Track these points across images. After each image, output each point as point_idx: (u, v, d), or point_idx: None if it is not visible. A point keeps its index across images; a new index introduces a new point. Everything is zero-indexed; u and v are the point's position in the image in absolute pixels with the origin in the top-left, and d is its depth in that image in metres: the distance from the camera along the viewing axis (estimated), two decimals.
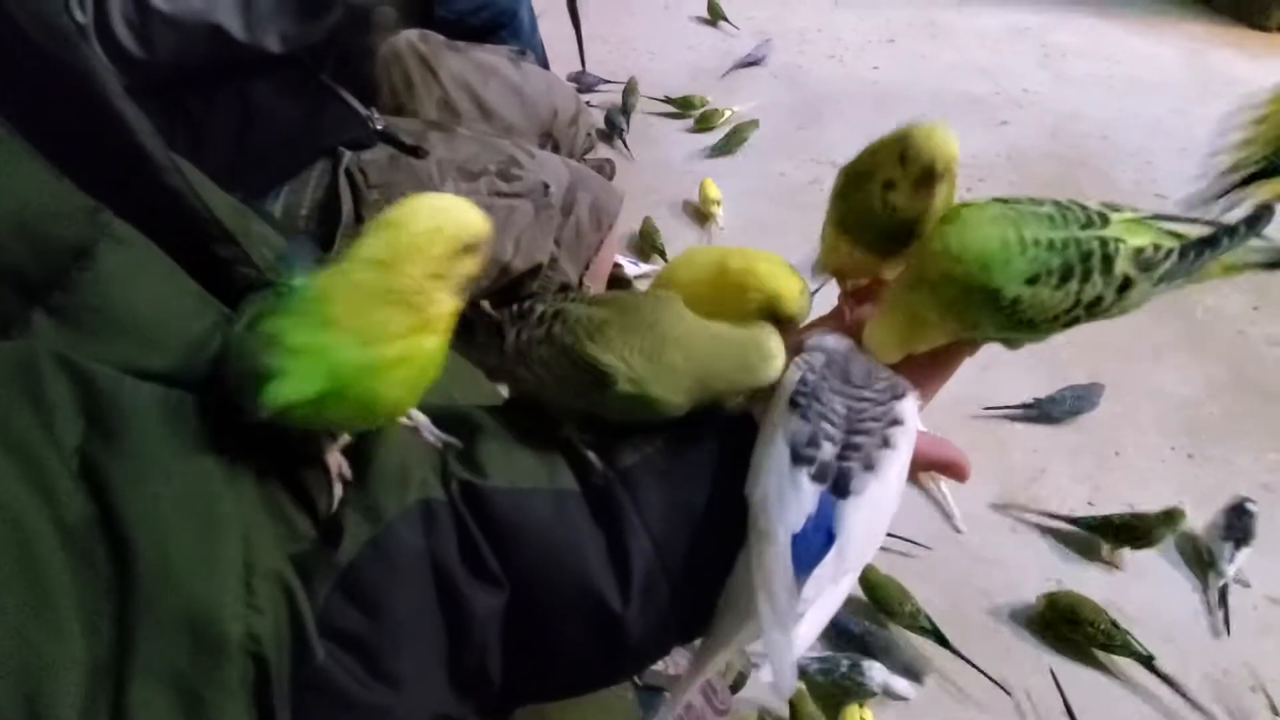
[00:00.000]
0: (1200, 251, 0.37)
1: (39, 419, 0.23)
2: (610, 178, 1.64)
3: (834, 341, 0.37)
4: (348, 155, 0.69)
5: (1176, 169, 1.78)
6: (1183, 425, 1.25)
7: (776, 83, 2.15)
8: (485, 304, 0.83)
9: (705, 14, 2.46)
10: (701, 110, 1.97)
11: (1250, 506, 1.05)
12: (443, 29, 0.97)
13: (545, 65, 1.48)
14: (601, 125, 1.85)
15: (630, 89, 2.00)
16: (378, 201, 0.68)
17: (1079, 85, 2.07)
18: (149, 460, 0.25)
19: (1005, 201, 0.37)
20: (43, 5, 0.28)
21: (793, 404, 0.33)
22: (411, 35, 0.89)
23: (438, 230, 0.29)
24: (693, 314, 0.35)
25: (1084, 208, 0.37)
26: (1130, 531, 1.00)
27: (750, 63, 2.20)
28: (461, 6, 1.10)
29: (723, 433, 0.35)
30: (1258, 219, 0.39)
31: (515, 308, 0.36)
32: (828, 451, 0.32)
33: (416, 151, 0.71)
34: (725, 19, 2.42)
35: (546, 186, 0.75)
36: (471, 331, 0.39)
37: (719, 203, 1.66)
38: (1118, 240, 0.36)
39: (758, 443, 0.34)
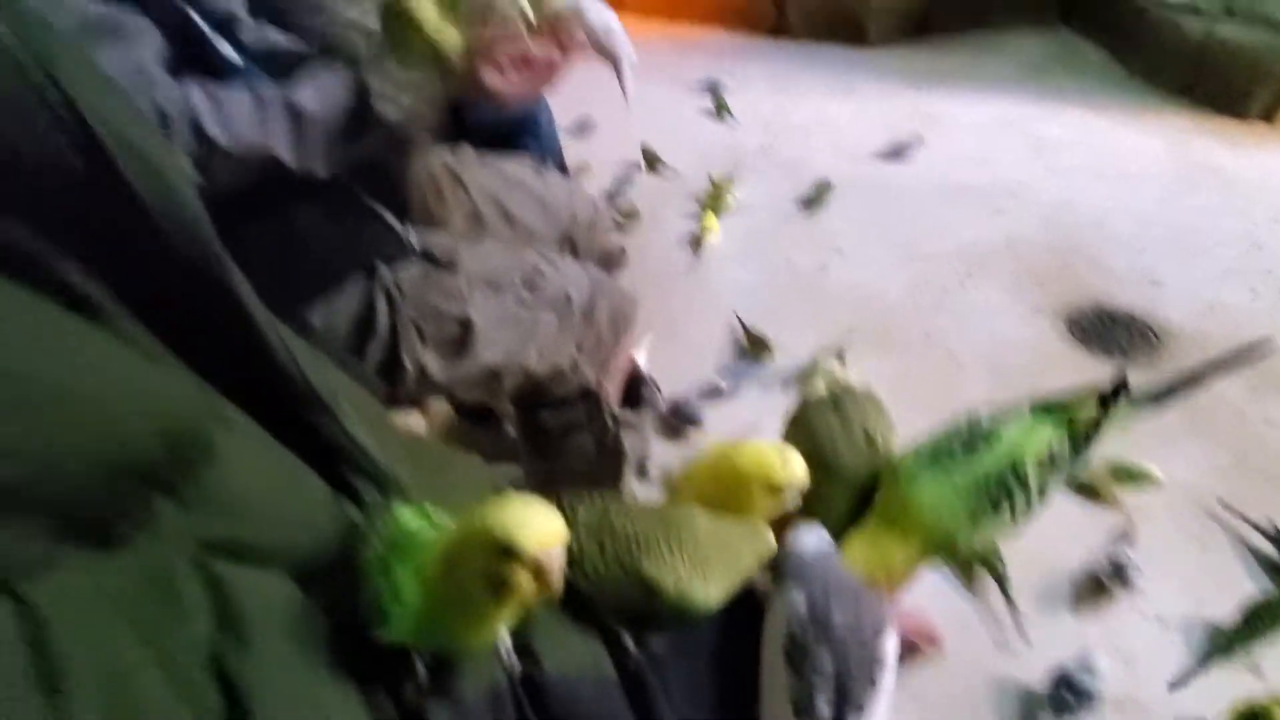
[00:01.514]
0: (1089, 435, 0.47)
1: (179, 623, 0.26)
2: (621, 263, 1.70)
3: (814, 549, 0.42)
4: (384, 271, 0.73)
5: (1168, 255, 1.83)
6: (1192, 510, 1.25)
7: (781, 173, 2.23)
8: (509, 428, 0.85)
9: (711, 109, 2.60)
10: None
11: None
12: (469, 135, 1.04)
13: (563, 165, 1.56)
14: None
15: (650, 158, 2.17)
16: (411, 316, 0.71)
17: (1070, 176, 2.14)
18: (275, 664, 0.28)
19: (928, 451, 0.48)
20: (199, 230, 0.32)
21: (788, 658, 0.38)
22: (443, 150, 0.95)
23: (522, 541, 0.33)
24: (711, 520, 0.40)
25: (979, 427, 0.47)
26: None
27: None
28: (485, 116, 1.17)
29: (729, 616, 0.40)
30: (1122, 386, 0.49)
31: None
32: (823, 709, 0.37)
33: (448, 266, 0.75)
34: (729, 112, 2.56)
35: (569, 297, 0.78)
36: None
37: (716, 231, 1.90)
38: (1020, 458, 0.44)
39: (763, 692, 0.39)
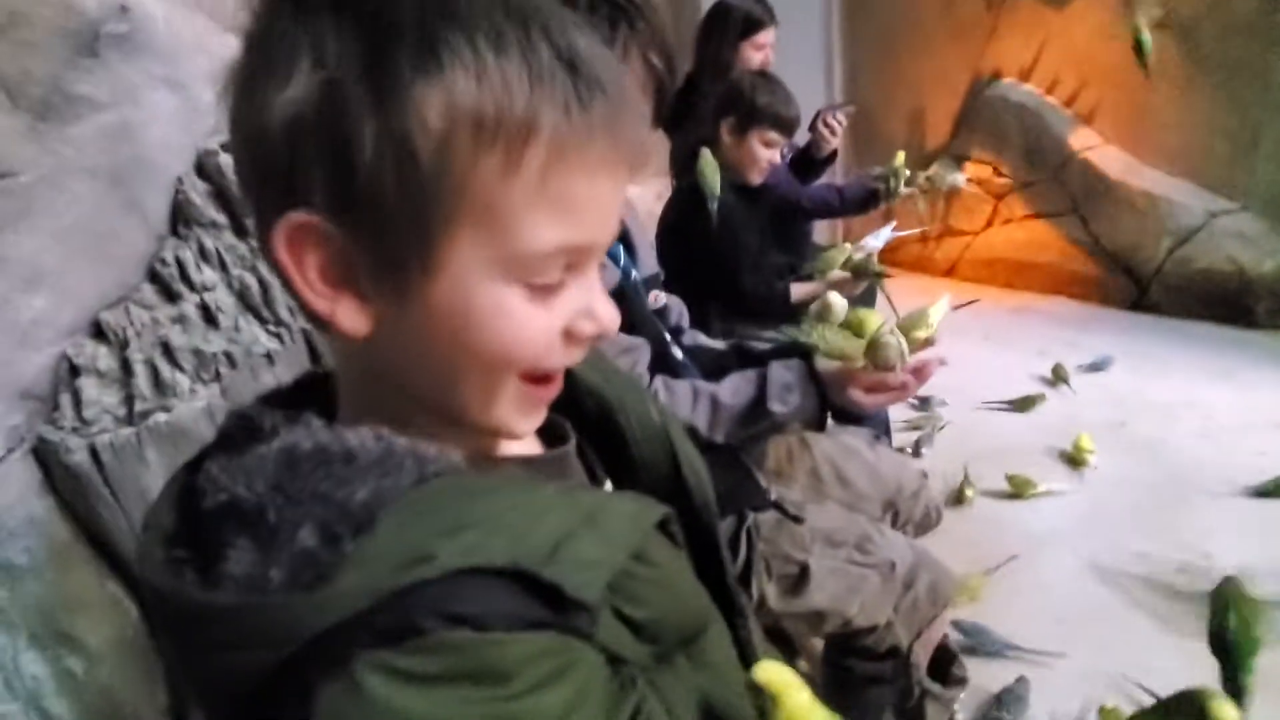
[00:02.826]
0: None
1: None
2: (937, 522, 1.73)
3: None
4: (750, 515, 0.97)
5: None
6: None
7: (1136, 454, 2.07)
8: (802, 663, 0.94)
9: (1048, 375, 2.54)
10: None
11: None
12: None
13: (887, 433, 1.73)
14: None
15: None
16: (763, 552, 0.93)
17: None
18: None
19: None
20: (708, 493, 0.55)
21: None
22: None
23: None
24: None
25: None
26: None
27: None
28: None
29: None
30: None
31: None
32: None
33: (798, 520, 0.96)
34: (1066, 382, 2.45)
35: (893, 564, 0.92)
36: None
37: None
38: None
39: None
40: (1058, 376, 2.51)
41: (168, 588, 0.35)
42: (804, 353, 0.97)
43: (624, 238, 1.03)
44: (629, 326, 0.96)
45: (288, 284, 0.36)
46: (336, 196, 0.34)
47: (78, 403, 1.05)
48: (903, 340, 0.90)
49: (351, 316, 0.36)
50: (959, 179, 1.84)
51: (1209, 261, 2.74)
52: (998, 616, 1.49)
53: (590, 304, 0.40)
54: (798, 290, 1.66)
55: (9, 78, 1.06)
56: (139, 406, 1.04)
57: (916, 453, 2.11)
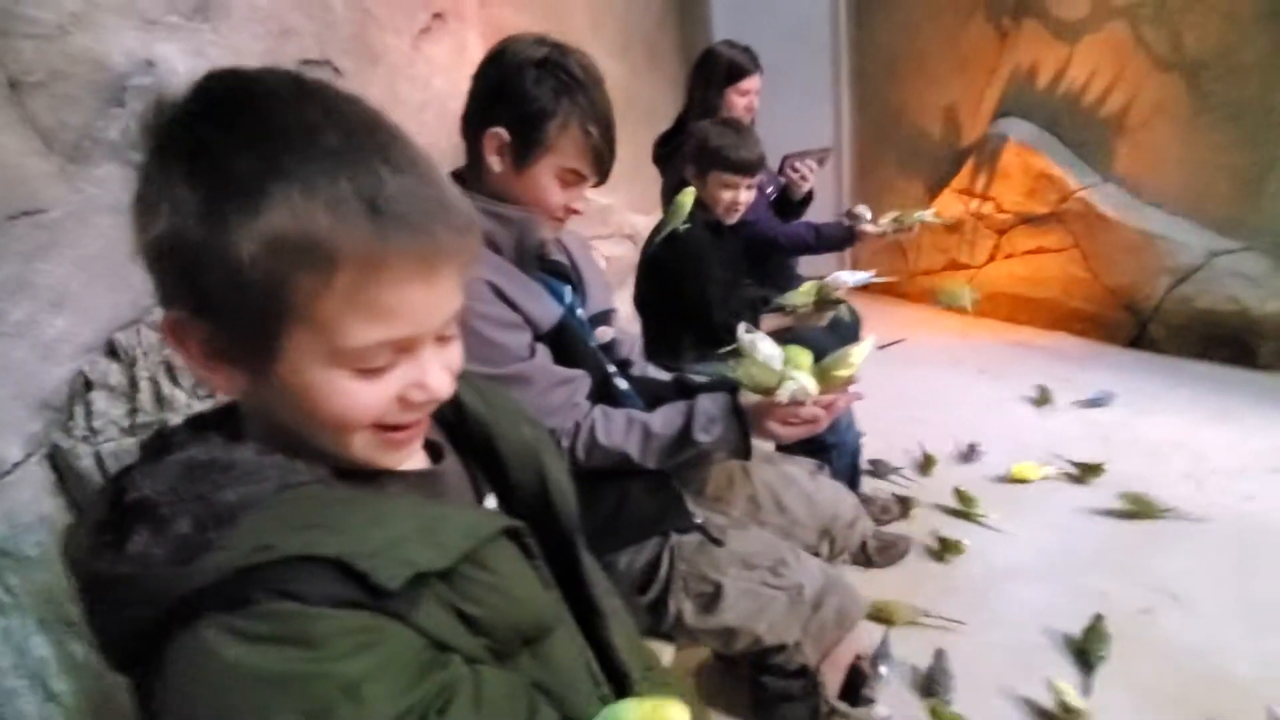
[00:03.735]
0: None
1: (532, 711, 0.49)
2: (904, 552, 1.76)
3: None
4: (674, 537, 1.04)
5: None
6: None
7: (1114, 491, 2.06)
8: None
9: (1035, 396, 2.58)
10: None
11: None
12: None
13: (856, 460, 1.78)
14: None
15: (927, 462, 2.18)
16: (682, 572, 1.00)
17: None
18: None
19: None
20: (570, 507, 0.65)
21: None
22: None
23: None
24: None
25: None
26: None
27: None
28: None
29: None
30: None
31: None
32: None
33: (718, 542, 1.03)
34: (1050, 403, 2.52)
35: (802, 587, 0.99)
36: None
37: None
38: None
39: None
40: (1044, 398, 2.55)
41: (85, 561, 0.45)
42: (732, 387, 1.05)
43: (568, 277, 1.12)
44: (570, 360, 1.05)
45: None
46: (195, 304, 0.45)
47: (89, 414, 1.18)
48: (808, 379, 0.97)
49: (226, 382, 0.48)
50: (925, 215, 1.89)
51: (1210, 301, 2.72)
52: (952, 647, 1.52)
53: (420, 377, 0.49)
54: (767, 323, 1.73)
55: (47, 127, 1.21)
56: (141, 419, 1.16)
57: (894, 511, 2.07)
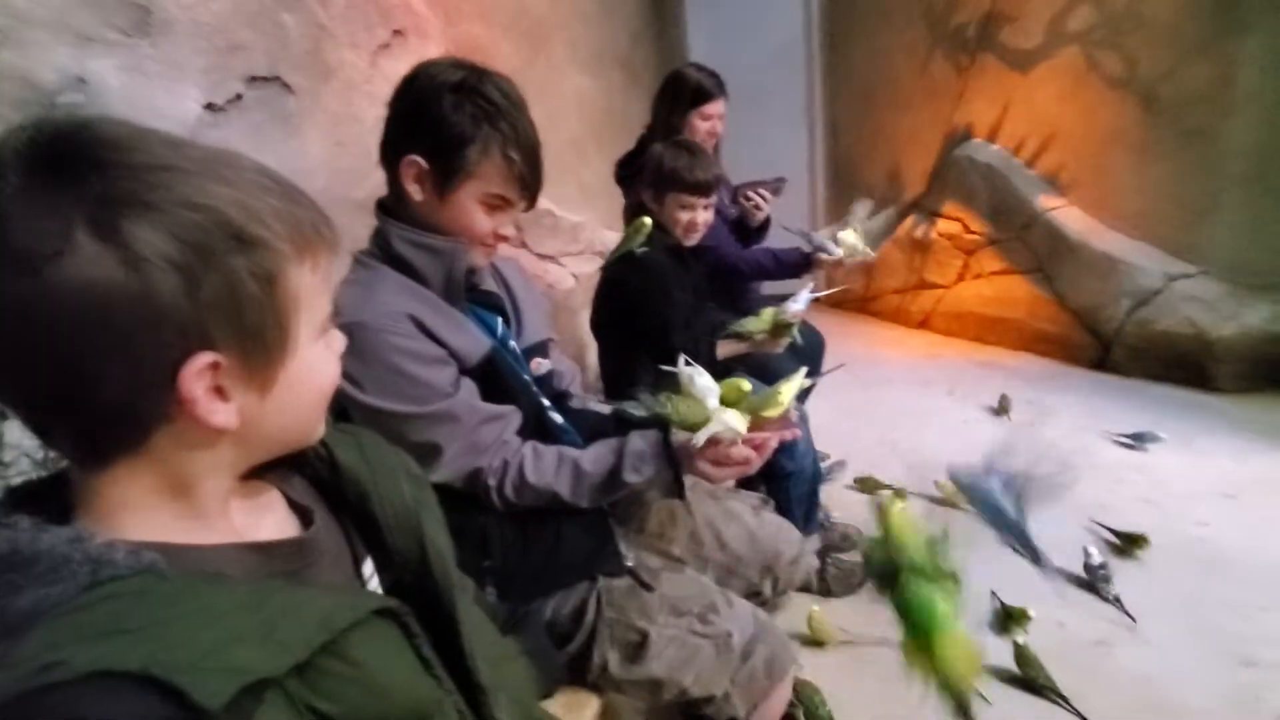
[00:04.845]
0: None
1: None
2: (861, 584, 1.72)
3: None
4: (602, 581, 0.99)
5: None
6: None
7: (1068, 516, 2.03)
8: None
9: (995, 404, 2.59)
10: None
11: None
12: None
13: (814, 490, 1.73)
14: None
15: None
16: (609, 618, 0.95)
17: None
18: None
19: None
20: (448, 564, 0.60)
21: None
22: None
23: None
24: None
25: None
26: None
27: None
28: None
29: None
30: None
31: None
32: None
33: (648, 587, 0.98)
34: (1008, 414, 2.56)
35: (730, 635, 0.94)
36: None
37: None
38: None
39: None
40: (1003, 408, 2.56)
41: None
42: (664, 423, 1.00)
43: (501, 309, 1.07)
44: (501, 394, 1.00)
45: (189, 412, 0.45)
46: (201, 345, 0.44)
47: (0, 445, 1.11)
48: (737, 418, 0.92)
49: (226, 417, 0.46)
50: (856, 247, 1.84)
51: (1169, 324, 2.72)
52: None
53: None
54: (724, 349, 1.69)
55: None
56: (52, 452, 1.10)
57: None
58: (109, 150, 0.41)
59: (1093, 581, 1.73)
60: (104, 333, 0.40)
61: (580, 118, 3.12)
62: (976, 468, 0.77)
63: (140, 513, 0.46)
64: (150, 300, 0.40)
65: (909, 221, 3.52)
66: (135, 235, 0.40)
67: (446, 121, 0.88)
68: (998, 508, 0.79)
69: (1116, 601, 1.68)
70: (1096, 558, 1.77)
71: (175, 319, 0.41)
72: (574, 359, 1.27)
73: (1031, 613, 1.60)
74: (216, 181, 0.43)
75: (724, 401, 1.02)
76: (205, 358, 0.43)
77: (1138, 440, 2.35)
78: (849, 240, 1.83)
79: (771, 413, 0.96)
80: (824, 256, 1.84)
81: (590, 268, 3.01)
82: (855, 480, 2.25)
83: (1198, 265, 2.68)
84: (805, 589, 1.61)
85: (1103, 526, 1.92)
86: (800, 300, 1.59)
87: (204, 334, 0.43)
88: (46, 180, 0.39)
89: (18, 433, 1.14)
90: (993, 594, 1.70)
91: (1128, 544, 1.84)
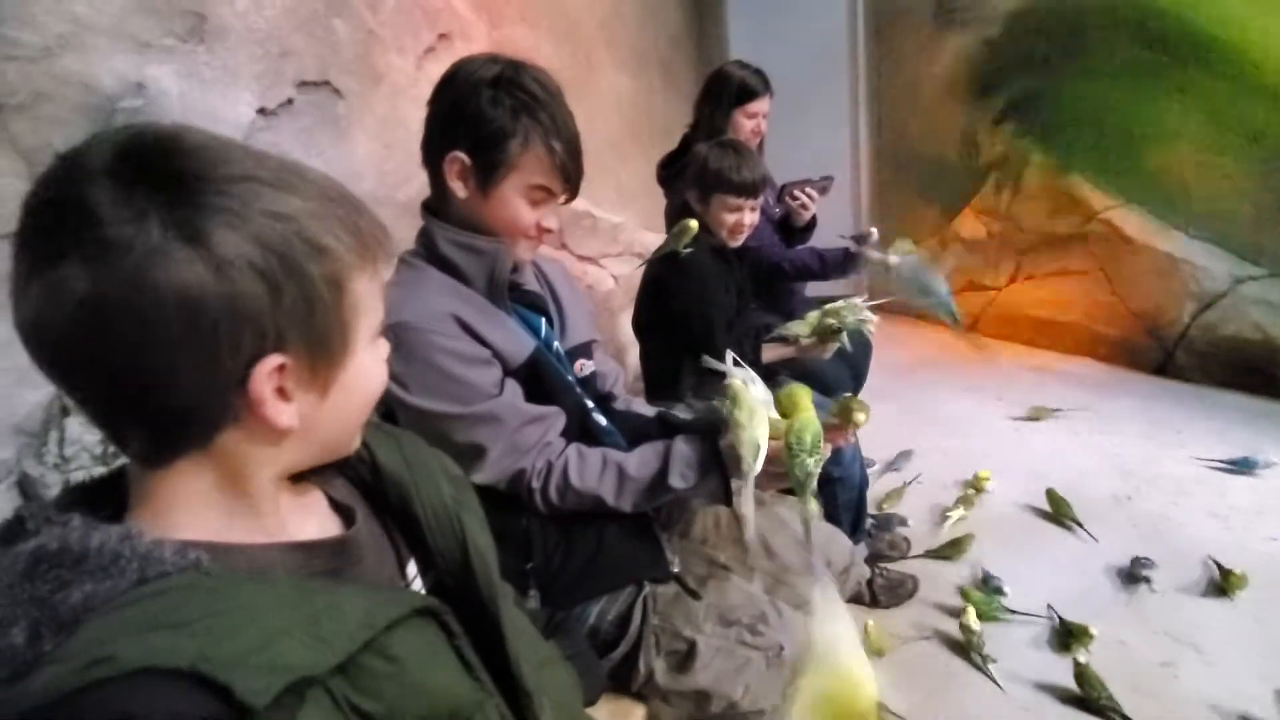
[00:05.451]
0: None
1: None
2: (913, 591, 1.66)
3: None
4: (649, 587, 0.96)
5: None
6: None
7: (1132, 532, 1.93)
8: None
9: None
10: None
11: None
12: None
13: (861, 497, 1.68)
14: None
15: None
16: (655, 626, 0.92)
17: None
18: None
19: None
20: (491, 571, 0.58)
21: None
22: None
23: None
24: None
25: None
26: None
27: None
28: None
29: None
30: None
31: None
32: None
33: (695, 595, 0.94)
34: (1039, 421, 2.48)
35: (782, 648, 0.90)
36: None
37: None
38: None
39: None
40: (1034, 417, 2.48)
41: None
42: (714, 429, 0.97)
43: (545, 310, 1.05)
44: (545, 396, 0.98)
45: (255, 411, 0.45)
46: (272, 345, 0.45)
47: (62, 440, 1.14)
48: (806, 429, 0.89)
49: (290, 418, 0.46)
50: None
51: (1235, 328, 2.57)
52: (934, 688, 1.41)
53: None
54: (769, 353, 1.65)
55: (31, 149, 1.18)
56: (112, 447, 1.12)
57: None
58: (196, 160, 0.42)
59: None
60: (189, 331, 0.40)
61: (619, 118, 3.11)
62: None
63: (193, 511, 0.46)
64: (236, 302, 0.41)
65: (958, 220, 3.41)
66: (222, 240, 0.41)
67: (486, 116, 0.87)
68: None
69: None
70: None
71: (257, 322, 0.42)
72: (614, 360, 1.24)
73: (1094, 630, 1.52)
74: (291, 192, 0.44)
75: (781, 412, 0.98)
76: (275, 359, 0.44)
77: (1242, 466, 2.12)
78: (905, 246, 1.77)
79: (850, 427, 0.94)
80: (867, 252, 1.78)
81: (630, 269, 3.00)
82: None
83: (1265, 267, 2.53)
84: (855, 600, 1.55)
85: (1214, 562, 1.75)
86: (862, 311, 1.53)
87: (279, 337, 0.43)
88: (139, 185, 0.40)
89: (78, 428, 1.17)
90: (1049, 608, 1.62)
91: (1225, 581, 1.67)
